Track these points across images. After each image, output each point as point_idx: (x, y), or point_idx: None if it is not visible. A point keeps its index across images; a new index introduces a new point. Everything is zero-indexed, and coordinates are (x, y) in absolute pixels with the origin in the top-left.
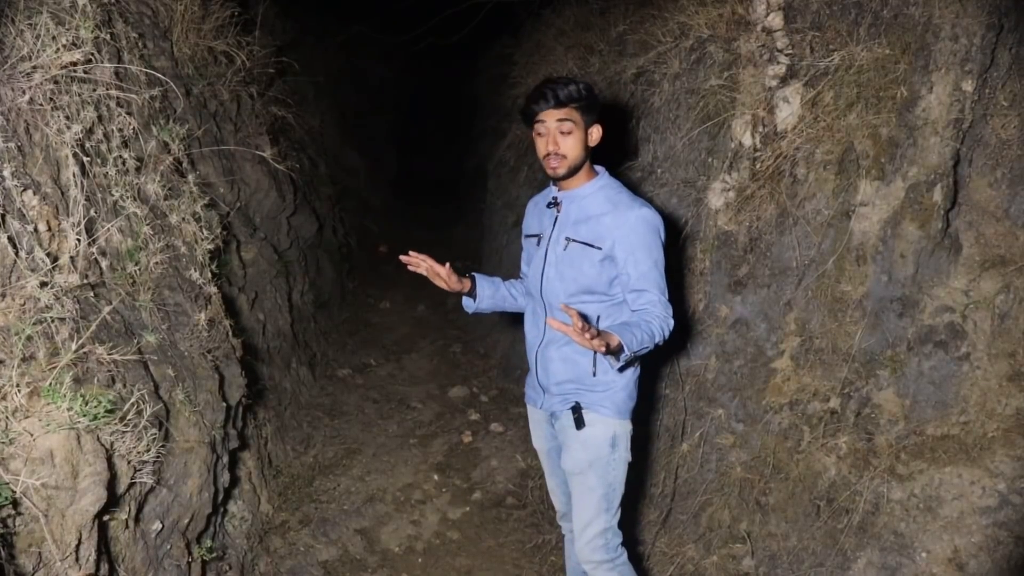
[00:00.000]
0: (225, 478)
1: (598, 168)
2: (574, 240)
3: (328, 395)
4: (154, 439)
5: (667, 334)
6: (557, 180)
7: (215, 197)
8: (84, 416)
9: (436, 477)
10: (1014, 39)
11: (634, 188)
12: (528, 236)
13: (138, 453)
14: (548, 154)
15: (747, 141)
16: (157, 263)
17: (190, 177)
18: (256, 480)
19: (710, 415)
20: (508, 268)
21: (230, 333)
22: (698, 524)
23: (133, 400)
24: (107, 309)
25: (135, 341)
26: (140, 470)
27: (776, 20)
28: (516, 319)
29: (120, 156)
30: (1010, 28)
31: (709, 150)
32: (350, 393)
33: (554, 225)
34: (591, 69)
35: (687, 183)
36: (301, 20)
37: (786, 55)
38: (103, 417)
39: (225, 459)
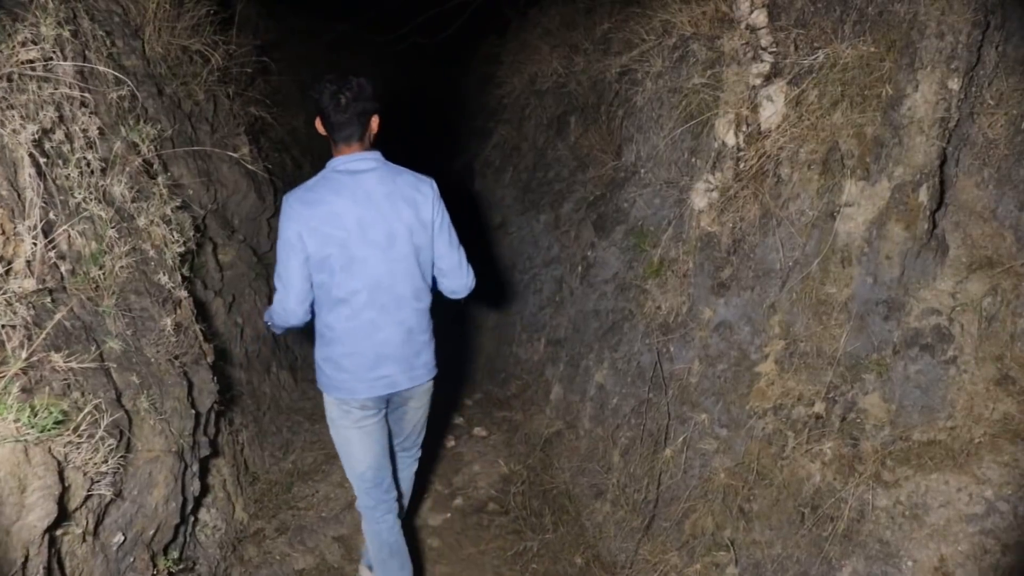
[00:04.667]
0: (195, 487)
1: None
2: None
3: (309, 399)
4: (111, 450)
5: (276, 318)
6: None
7: (188, 199)
8: (32, 428)
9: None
10: (1000, 37)
11: (617, 188)
12: None
13: (95, 464)
14: None
15: (730, 140)
16: (123, 267)
17: (160, 179)
18: (231, 487)
19: (693, 420)
20: (493, 269)
21: (200, 338)
22: (681, 531)
23: (88, 409)
24: (58, 315)
25: (97, 348)
26: (98, 481)
27: (760, 18)
28: (501, 321)
29: (83, 157)
30: (996, 25)
31: (692, 150)
32: None
33: None
34: (576, 68)
35: (670, 183)
36: (285, 20)
37: (770, 53)
38: (53, 429)
39: (195, 467)
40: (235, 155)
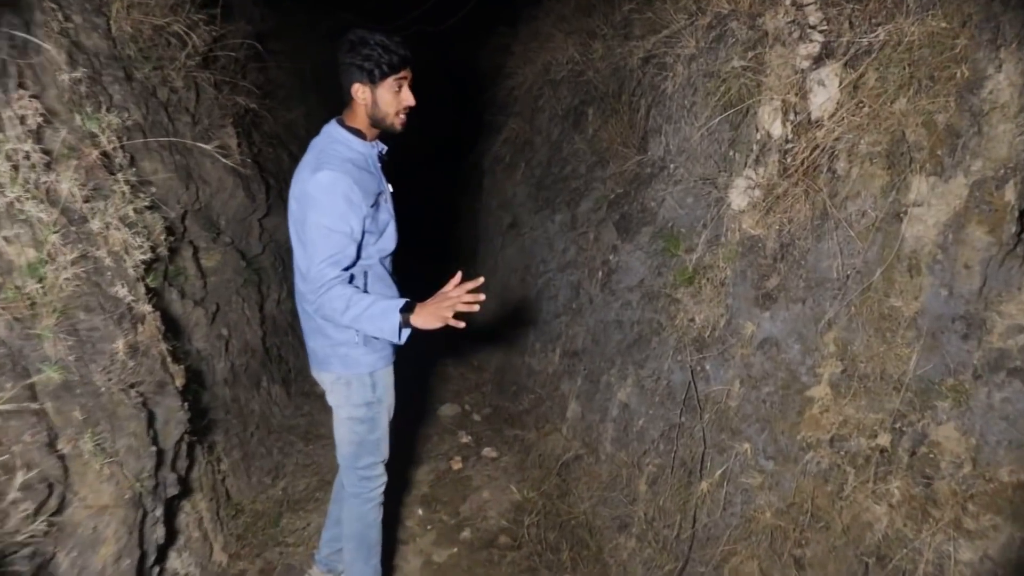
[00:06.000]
0: (159, 534)
1: None
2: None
3: (304, 415)
4: (27, 516)
5: None
6: (387, 136)
7: (161, 198)
8: None
9: (420, 512)
10: None
11: (643, 186)
12: (371, 205)
13: (8, 535)
14: (406, 109)
15: (776, 131)
16: (69, 279)
17: (121, 175)
18: (209, 524)
19: (734, 450)
20: (504, 273)
21: (167, 359)
22: None
23: None
24: None
25: (26, 379)
26: (15, 553)
27: None
28: (513, 330)
29: (19, 148)
30: None
31: (731, 142)
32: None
33: (383, 179)
34: (594, 55)
35: (706, 180)
36: (283, 7)
37: (820, 32)
38: None
39: (158, 511)
40: (208, 147)
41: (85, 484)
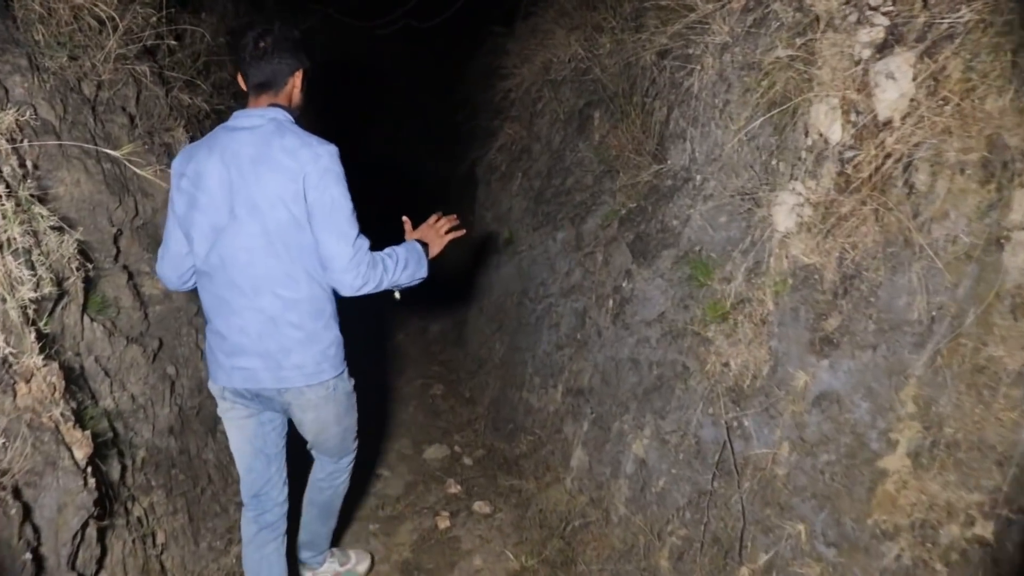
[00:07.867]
0: None
1: None
2: None
3: None
4: None
5: None
6: None
7: (80, 216)
8: None
9: None
10: None
11: (663, 200)
12: None
13: None
14: None
15: (834, 135)
16: None
17: (1, 188)
18: None
19: (784, 530)
20: (499, 295)
21: (64, 424)
22: None
23: None
24: None
25: None
26: None
27: None
28: (509, 358)
29: None
30: None
31: (775, 148)
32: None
33: None
34: (600, 51)
35: (743, 195)
36: (263, 3)
37: (883, 14)
38: None
39: None
40: (116, 154)
41: None
